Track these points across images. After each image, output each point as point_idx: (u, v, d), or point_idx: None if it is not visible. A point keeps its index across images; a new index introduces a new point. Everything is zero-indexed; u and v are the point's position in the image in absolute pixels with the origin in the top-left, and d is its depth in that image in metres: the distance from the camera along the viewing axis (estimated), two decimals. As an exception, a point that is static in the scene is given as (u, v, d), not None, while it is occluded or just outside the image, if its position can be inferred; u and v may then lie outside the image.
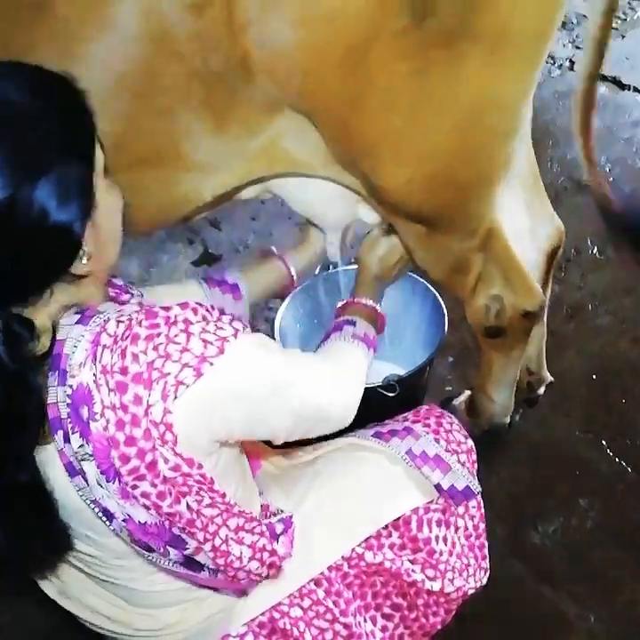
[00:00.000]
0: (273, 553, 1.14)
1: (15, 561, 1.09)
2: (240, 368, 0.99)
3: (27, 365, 0.95)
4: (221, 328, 0.98)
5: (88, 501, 1.02)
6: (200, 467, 0.99)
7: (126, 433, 0.94)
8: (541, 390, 2.04)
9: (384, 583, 1.31)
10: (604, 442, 2.03)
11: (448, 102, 1.27)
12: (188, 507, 1.01)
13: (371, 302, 1.48)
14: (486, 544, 1.41)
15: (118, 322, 0.96)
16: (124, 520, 1.01)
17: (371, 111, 1.27)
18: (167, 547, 1.04)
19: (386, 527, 1.30)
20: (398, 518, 1.30)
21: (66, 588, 1.22)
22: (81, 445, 0.96)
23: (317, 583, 1.26)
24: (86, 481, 0.99)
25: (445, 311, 1.89)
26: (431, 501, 1.33)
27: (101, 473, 0.97)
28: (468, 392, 2.04)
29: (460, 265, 1.59)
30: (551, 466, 1.99)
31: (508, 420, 2.00)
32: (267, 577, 1.17)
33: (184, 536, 1.04)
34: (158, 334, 0.94)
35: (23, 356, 0.94)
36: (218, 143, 1.34)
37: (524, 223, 1.71)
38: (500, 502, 1.92)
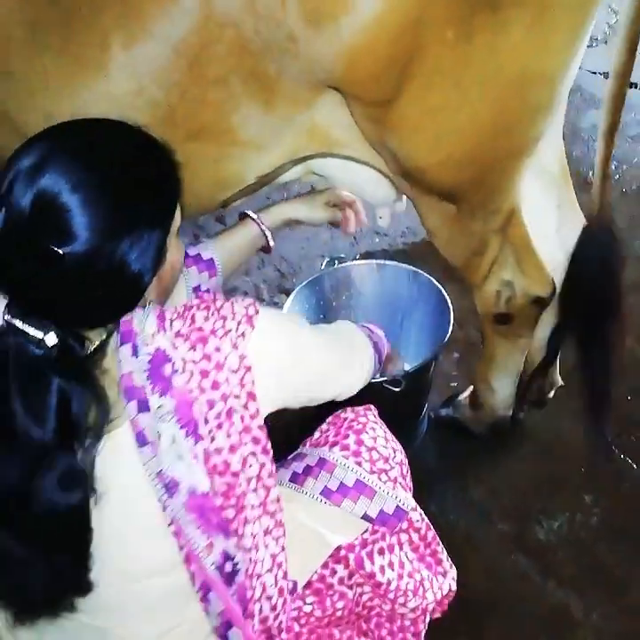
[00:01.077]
0: (285, 575, 1.14)
1: (42, 596, 1.07)
2: (275, 322, 1.14)
3: (83, 373, 1.02)
4: (244, 301, 1.13)
5: (152, 476, 1.03)
6: (262, 418, 1.07)
7: (211, 378, 1.04)
8: (551, 394, 2.03)
9: (342, 630, 1.28)
10: (609, 438, 2.03)
11: (492, 72, 1.26)
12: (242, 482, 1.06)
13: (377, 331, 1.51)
14: (440, 549, 1.34)
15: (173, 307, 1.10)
16: (187, 492, 1.03)
17: (416, 88, 1.27)
18: (213, 537, 1.06)
19: (326, 565, 1.24)
20: (338, 551, 1.23)
21: None
22: (160, 406, 1.02)
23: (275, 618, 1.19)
24: (156, 449, 1.02)
25: (451, 307, 1.90)
26: (366, 531, 1.25)
27: (181, 428, 1.02)
28: (472, 387, 2.04)
29: (479, 247, 1.60)
30: (556, 462, 1.99)
31: (510, 413, 2.00)
32: (274, 612, 1.13)
33: (229, 526, 1.06)
34: (209, 307, 1.09)
35: (79, 363, 1.02)
36: (265, 117, 1.35)
37: (552, 224, 1.71)
38: (505, 498, 1.92)
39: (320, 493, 1.26)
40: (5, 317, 1.00)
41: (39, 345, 0.98)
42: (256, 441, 1.07)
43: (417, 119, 1.32)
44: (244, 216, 1.62)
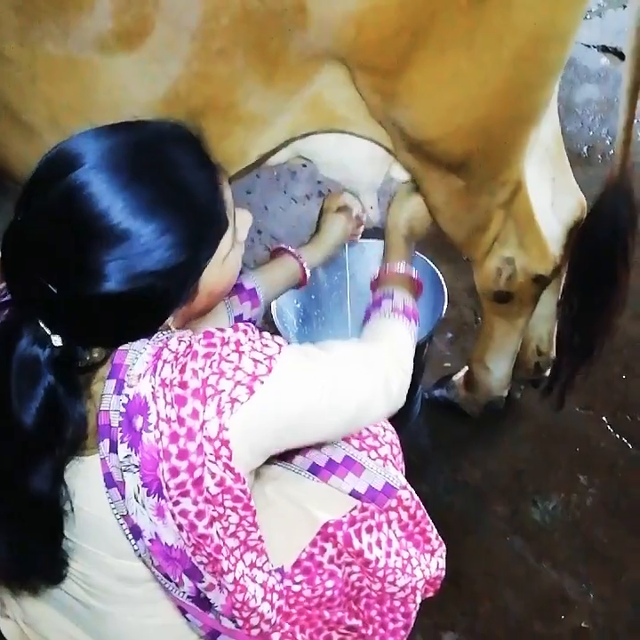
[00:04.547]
0: (281, 595, 1.13)
1: (11, 575, 1.09)
2: (286, 386, 1.02)
3: (74, 382, 0.97)
4: (267, 345, 1.02)
5: (118, 516, 1.01)
6: (244, 482, 1.01)
7: (180, 446, 0.96)
8: (548, 372, 2.02)
9: (332, 611, 1.25)
10: (604, 418, 2.02)
11: (505, 33, 1.24)
12: (217, 533, 1.02)
13: (404, 268, 1.44)
14: (429, 528, 1.32)
15: (180, 340, 0.99)
16: (150, 540, 1.00)
17: (426, 55, 1.24)
18: (183, 576, 1.04)
19: (314, 544, 1.21)
20: (326, 529, 1.21)
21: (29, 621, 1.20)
22: (127, 456, 0.97)
23: (272, 627, 1.18)
24: (122, 494, 0.99)
25: (445, 287, 1.87)
26: (354, 508, 1.22)
27: (143, 485, 0.97)
28: (467, 368, 2.02)
29: (483, 223, 1.58)
30: (551, 442, 1.98)
31: (505, 394, 1.98)
32: (273, 626, 1.12)
33: (202, 568, 1.03)
34: (214, 353, 0.98)
35: (73, 372, 0.97)
36: (267, 92, 1.32)
37: (547, 198, 1.68)
38: (500, 479, 1.91)
39: (308, 469, 1.24)
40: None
41: (45, 341, 0.94)
42: (237, 499, 1.01)
43: (427, 88, 1.29)
44: (280, 251, 1.61)
